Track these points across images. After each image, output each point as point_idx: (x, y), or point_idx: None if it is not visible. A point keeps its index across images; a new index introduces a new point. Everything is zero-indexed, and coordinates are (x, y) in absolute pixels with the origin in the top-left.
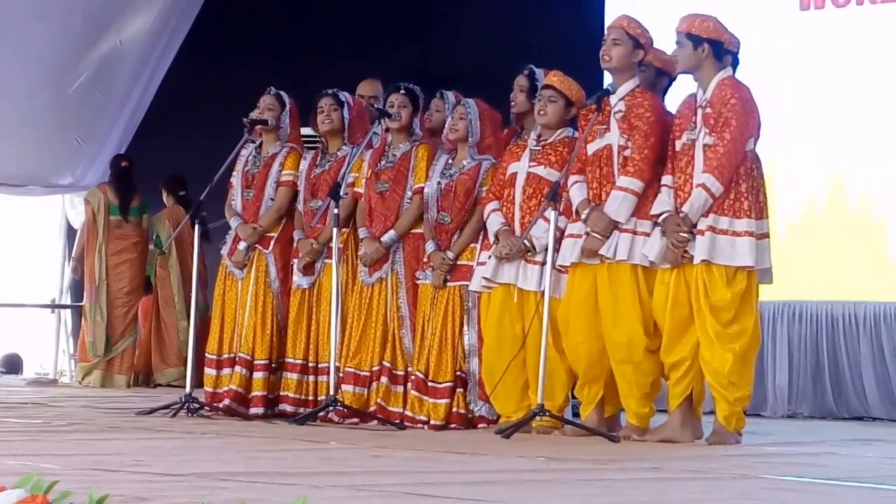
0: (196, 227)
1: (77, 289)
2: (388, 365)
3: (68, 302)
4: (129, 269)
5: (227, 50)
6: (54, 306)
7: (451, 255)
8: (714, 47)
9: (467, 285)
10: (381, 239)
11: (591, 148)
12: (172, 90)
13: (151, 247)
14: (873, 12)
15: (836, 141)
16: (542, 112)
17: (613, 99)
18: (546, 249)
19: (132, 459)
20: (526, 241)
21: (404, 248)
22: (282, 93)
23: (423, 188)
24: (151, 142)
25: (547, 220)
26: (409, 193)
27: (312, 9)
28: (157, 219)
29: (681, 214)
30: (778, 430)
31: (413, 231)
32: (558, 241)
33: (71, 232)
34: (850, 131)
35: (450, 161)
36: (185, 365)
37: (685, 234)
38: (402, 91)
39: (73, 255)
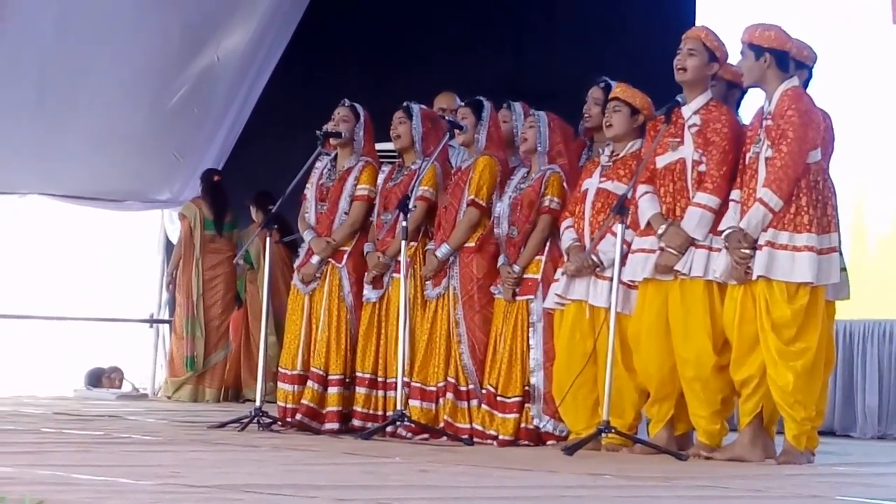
0: (268, 239)
1: (173, 304)
2: (452, 381)
3: (166, 317)
4: (222, 283)
5: (324, 64)
6: (153, 321)
7: (516, 268)
8: (777, 57)
9: (532, 299)
10: (435, 253)
11: (662, 161)
12: (270, 105)
13: (240, 262)
14: None
15: None
16: (608, 124)
17: (686, 112)
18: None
19: (168, 471)
20: (593, 257)
21: (459, 262)
22: (356, 105)
23: (474, 199)
24: (248, 156)
25: (614, 234)
26: (464, 206)
27: (410, 23)
28: (246, 234)
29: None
30: (858, 450)
31: (466, 245)
32: (626, 254)
33: (170, 247)
34: None
35: (525, 175)
36: (274, 380)
37: (747, 251)
38: (464, 103)
39: (168, 270)
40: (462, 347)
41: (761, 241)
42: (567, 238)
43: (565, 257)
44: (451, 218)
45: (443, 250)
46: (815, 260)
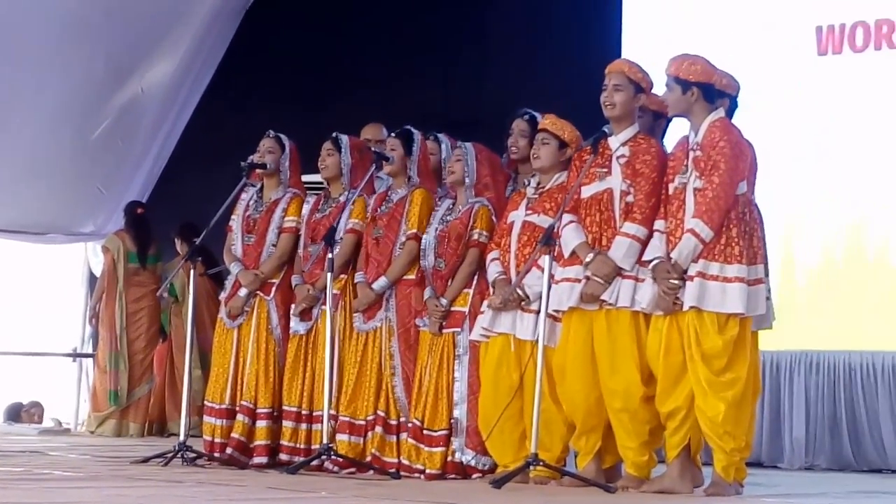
0: (192, 271)
1: (96, 337)
2: (382, 414)
3: (90, 351)
4: (146, 317)
5: (250, 96)
6: (76, 355)
7: (444, 301)
8: (703, 90)
9: (458, 331)
10: (372, 286)
11: (589, 191)
12: (195, 137)
13: (164, 294)
14: (891, 57)
15: (855, 187)
16: (535, 156)
17: (614, 143)
18: (541, 297)
19: None
20: (519, 291)
21: (397, 295)
22: (282, 136)
23: (416, 234)
24: (173, 188)
25: (541, 267)
26: (402, 239)
27: (334, 55)
28: (170, 267)
29: (671, 261)
30: (786, 481)
31: (406, 278)
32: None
33: (93, 280)
34: (869, 177)
35: (450, 207)
36: (199, 414)
37: (675, 282)
38: (392, 134)
39: (91, 303)
40: (395, 380)
41: (692, 272)
42: (493, 271)
43: (491, 290)
44: (387, 251)
45: (380, 283)
46: (746, 291)
